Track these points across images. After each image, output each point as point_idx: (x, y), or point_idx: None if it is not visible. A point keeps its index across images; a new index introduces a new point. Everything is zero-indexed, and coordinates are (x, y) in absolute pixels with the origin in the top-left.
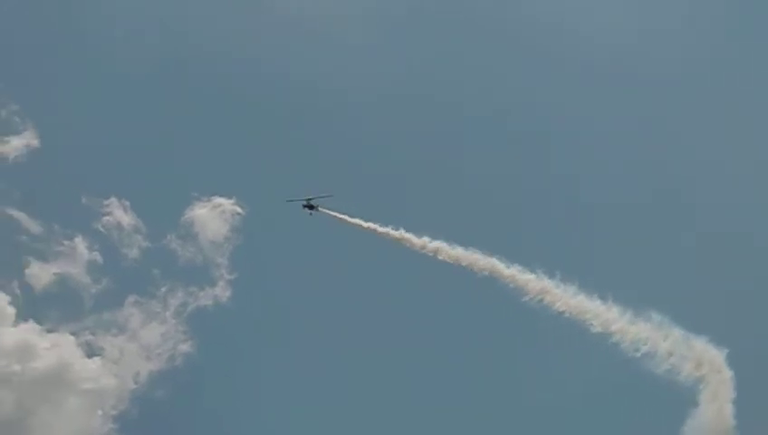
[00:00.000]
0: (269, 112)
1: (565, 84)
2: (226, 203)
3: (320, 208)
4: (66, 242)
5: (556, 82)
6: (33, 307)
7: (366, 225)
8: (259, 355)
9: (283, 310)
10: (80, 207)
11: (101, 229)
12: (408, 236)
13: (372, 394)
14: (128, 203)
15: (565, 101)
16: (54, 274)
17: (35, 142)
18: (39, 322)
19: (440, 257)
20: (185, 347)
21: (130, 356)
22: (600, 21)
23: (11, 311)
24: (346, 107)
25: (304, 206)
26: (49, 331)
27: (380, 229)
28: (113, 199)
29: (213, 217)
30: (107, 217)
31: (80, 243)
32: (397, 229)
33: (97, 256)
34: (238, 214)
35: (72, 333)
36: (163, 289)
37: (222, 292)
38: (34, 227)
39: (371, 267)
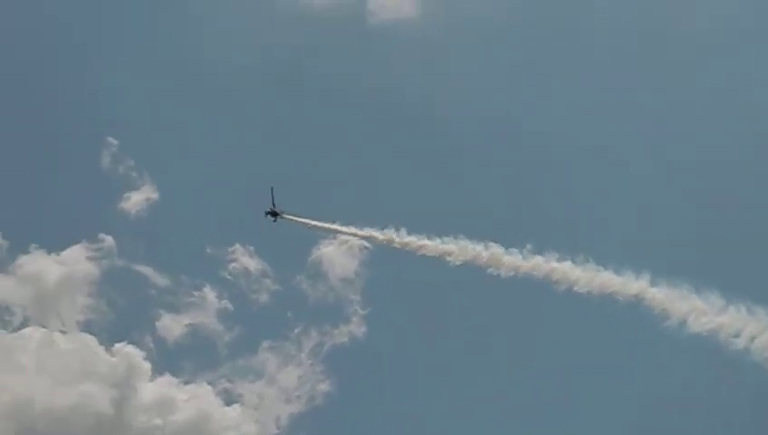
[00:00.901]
0: (384, 141)
1: None
2: (353, 238)
3: (284, 215)
4: (195, 292)
5: None
6: (168, 360)
7: (331, 226)
8: (399, 388)
9: (419, 340)
10: (205, 256)
11: (228, 277)
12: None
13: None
14: (252, 248)
15: None
16: (186, 325)
17: (155, 196)
18: (175, 374)
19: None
20: (323, 387)
21: (270, 401)
22: None
23: (147, 366)
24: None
25: (267, 214)
26: (186, 382)
27: (344, 229)
28: (237, 246)
29: (340, 253)
30: (233, 265)
31: (209, 292)
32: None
33: (227, 304)
34: (366, 248)
35: (209, 383)
36: (296, 331)
37: (357, 328)
38: (162, 280)
39: (505, 294)
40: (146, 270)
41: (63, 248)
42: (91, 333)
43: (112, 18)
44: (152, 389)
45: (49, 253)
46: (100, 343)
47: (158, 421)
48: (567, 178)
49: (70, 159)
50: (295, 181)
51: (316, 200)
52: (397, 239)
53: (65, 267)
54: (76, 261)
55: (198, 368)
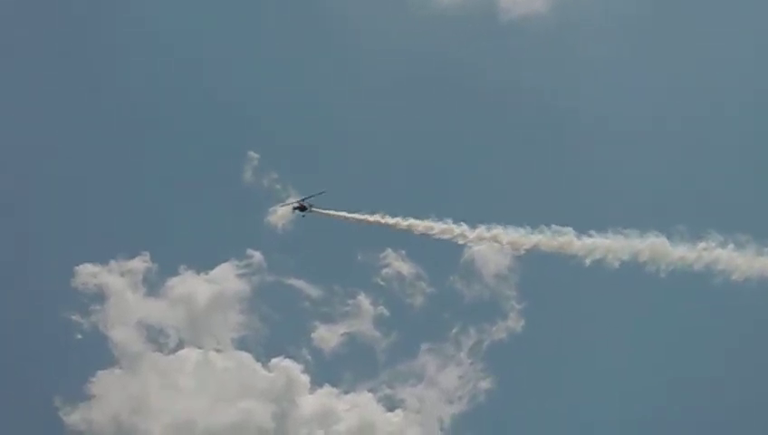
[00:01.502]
0: (519, 138)
1: None
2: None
3: (312, 209)
4: (350, 301)
5: None
6: (326, 371)
7: (366, 218)
8: (560, 380)
9: (578, 331)
10: (356, 264)
11: (382, 283)
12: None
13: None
14: (404, 252)
15: None
16: (342, 334)
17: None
18: (335, 385)
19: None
20: (485, 384)
21: (431, 403)
22: None
23: (305, 379)
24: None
25: (295, 209)
26: (346, 392)
27: (383, 220)
28: (389, 251)
29: (493, 250)
30: (386, 270)
31: (363, 300)
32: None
33: (383, 310)
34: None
35: (370, 390)
36: (454, 331)
37: (514, 323)
38: (315, 291)
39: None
40: (298, 283)
41: (212, 267)
42: (246, 351)
43: (249, 31)
44: (312, 401)
45: (198, 273)
46: (257, 360)
47: (320, 433)
48: (706, 180)
49: (212, 177)
50: (438, 179)
51: (459, 197)
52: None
53: (216, 286)
54: (226, 279)
55: (358, 376)
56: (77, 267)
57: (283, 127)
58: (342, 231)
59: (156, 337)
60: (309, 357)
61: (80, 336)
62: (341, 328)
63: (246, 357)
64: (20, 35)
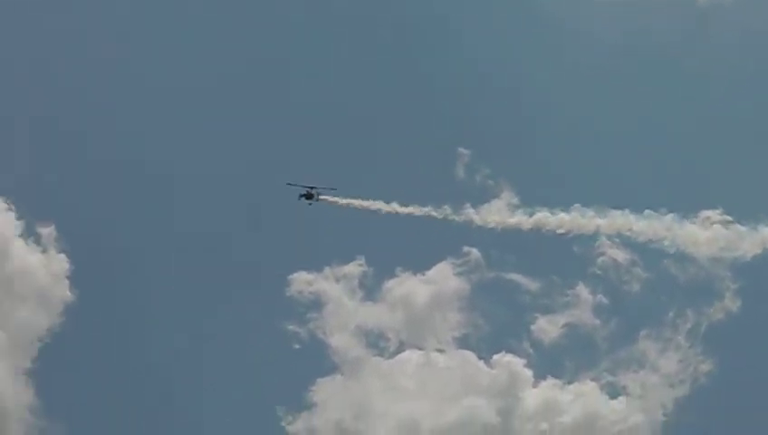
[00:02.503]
0: None
1: None
2: (713, 214)
3: (319, 198)
4: (569, 291)
5: None
6: (548, 363)
7: (370, 205)
8: None
9: None
10: (572, 254)
11: (598, 272)
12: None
13: None
14: (617, 240)
15: None
16: (563, 325)
17: (515, 201)
18: (557, 376)
19: None
20: (705, 367)
21: (653, 389)
22: None
23: (528, 373)
24: None
25: (301, 196)
26: (568, 382)
27: (386, 207)
28: (603, 239)
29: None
30: (601, 259)
31: (582, 289)
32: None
33: (601, 298)
34: (729, 222)
35: (592, 379)
36: (671, 314)
37: (731, 303)
38: (533, 284)
39: None
40: (516, 277)
41: (429, 267)
42: (468, 349)
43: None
44: (536, 394)
45: (415, 274)
46: (479, 357)
47: (545, 426)
48: None
49: (424, 176)
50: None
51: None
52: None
53: (434, 286)
54: (444, 278)
55: (579, 366)
56: (291, 276)
57: (493, 122)
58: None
59: (375, 341)
60: (530, 350)
61: (298, 346)
62: (562, 319)
63: (468, 355)
64: None
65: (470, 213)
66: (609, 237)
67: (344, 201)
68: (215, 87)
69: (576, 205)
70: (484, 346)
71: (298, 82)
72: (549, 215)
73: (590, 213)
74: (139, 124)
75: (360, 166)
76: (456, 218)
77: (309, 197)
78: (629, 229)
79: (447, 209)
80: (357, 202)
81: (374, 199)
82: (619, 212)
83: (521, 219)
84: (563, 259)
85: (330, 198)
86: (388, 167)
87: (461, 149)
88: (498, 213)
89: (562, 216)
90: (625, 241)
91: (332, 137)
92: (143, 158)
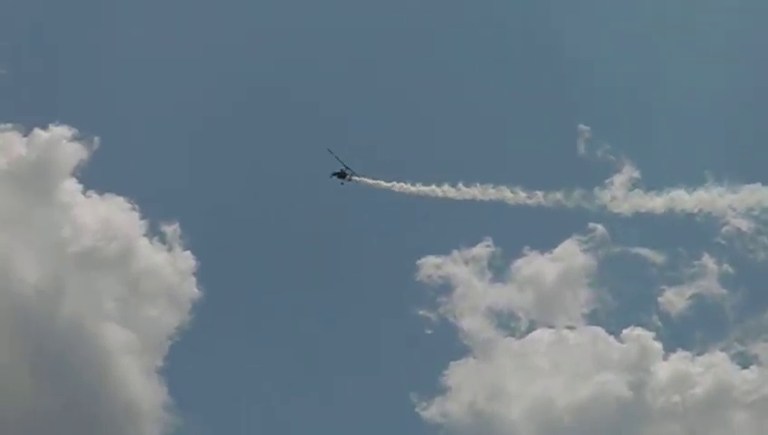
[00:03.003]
0: None
1: None
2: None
3: (353, 178)
4: (695, 262)
5: None
6: (677, 335)
7: (407, 188)
8: None
9: None
10: (695, 226)
11: (723, 241)
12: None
13: None
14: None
15: None
16: (690, 296)
17: (636, 174)
18: (687, 348)
19: None
20: None
21: None
22: None
23: (657, 346)
24: None
25: (333, 174)
26: (699, 354)
27: (423, 188)
28: (727, 210)
29: None
30: (726, 228)
31: (707, 260)
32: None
33: (728, 268)
34: None
35: (722, 350)
36: None
37: None
38: (659, 257)
39: None
40: (641, 251)
41: (555, 245)
42: (597, 324)
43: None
44: (666, 367)
45: (542, 253)
46: (609, 332)
47: (677, 398)
48: None
49: (549, 149)
50: None
51: None
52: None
53: (561, 264)
54: (571, 255)
55: (708, 337)
56: (420, 261)
57: (612, 98)
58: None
59: (506, 322)
60: (659, 323)
61: (429, 331)
62: (689, 290)
63: (598, 331)
64: None
65: (594, 190)
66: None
67: (378, 182)
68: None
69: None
70: (613, 321)
71: (424, 73)
72: (681, 193)
73: (720, 189)
74: (249, 121)
75: (484, 147)
76: (580, 196)
77: (342, 175)
78: (758, 205)
79: (570, 187)
80: (390, 184)
81: (501, 185)
82: (747, 187)
83: (649, 200)
84: (687, 231)
85: (363, 179)
86: (511, 147)
87: (581, 126)
88: (621, 188)
89: (698, 193)
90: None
91: (451, 121)
92: (258, 155)
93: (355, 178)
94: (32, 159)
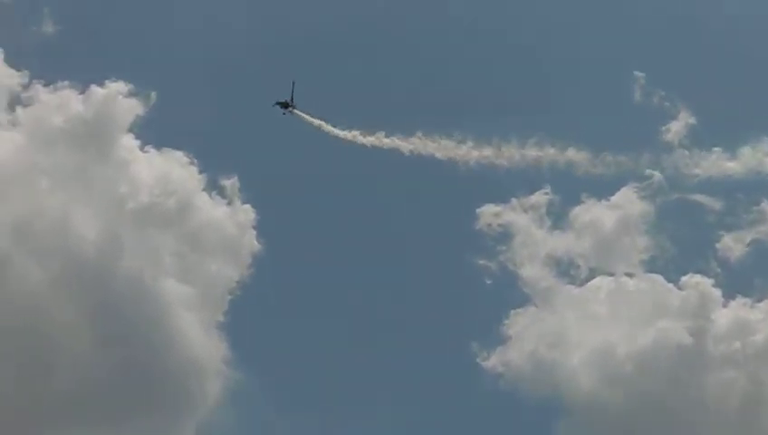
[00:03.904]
0: None
1: None
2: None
3: (294, 111)
4: (754, 208)
5: None
6: (736, 282)
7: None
8: None
9: None
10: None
11: None
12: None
13: None
14: None
15: None
16: (749, 242)
17: (692, 121)
18: (746, 295)
19: None
20: None
21: None
22: None
23: (717, 293)
24: None
25: (277, 103)
26: (758, 300)
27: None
28: None
29: None
30: None
31: (766, 205)
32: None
33: None
34: None
35: None
36: None
37: None
38: (717, 203)
39: None
40: (699, 197)
41: (613, 192)
42: (656, 272)
43: None
44: (726, 314)
45: (599, 199)
46: (668, 280)
47: (737, 345)
48: None
49: (605, 97)
50: None
51: None
52: None
53: (619, 211)
54: (629, 202)
55: None
56: (479, 210)
57: (668, 44)
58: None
59: (566, 270)
60: (718, 270)
61: (489, 281)
62: (748, 236)
63: (657, 278)
64: None
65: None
66: None
67: (313, 120)
68: None
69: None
70: (672, 268)
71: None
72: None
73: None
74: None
75: (541, 96)
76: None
77: (285, 106)
78: None
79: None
80: (327, 127)
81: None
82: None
83: (706, 146)
84: (746, 176)
85: (302, 114)
86: (569, 95)
87: (636, 73)
88: (677, 135)
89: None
90: None
91: (508, 71)
92: (320, 104)
93: (297, 111)
94: (88, 116)
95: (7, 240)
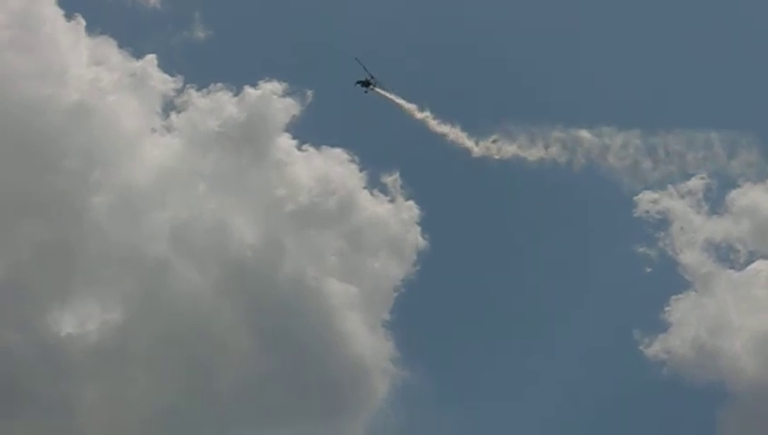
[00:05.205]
0: None
1: None
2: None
3: (375, 88)
4: None
5: None
6: None
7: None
8: None
9: None
10: None
11: None
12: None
13: None
14: None
15: None
16: None
17: None
18: None
19: None
20: None
21: None
22: None
23: None
24: None
25: (358, 82)
26: None
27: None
28: None
29: None
30: None
31: None
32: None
33: None
34: None
35: None
36: None
37: None
38: None
39: None
40: None
41: None
42: None
43: None
44: None
45: (756, 183)
46: None
47: None
48: None
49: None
50: None
51: None
52: None
53: None
54: None
55: None
56: (637, 197)
57: None
58: None
59: (725, 254)
60: None
61: (649, 269)
62: None
63: None
64: None
65: None
66: None
67: (393, 98)
68: None
69: None
70: None
71: None
72: None
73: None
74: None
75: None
76: None
77: (366, 84)
78: None
79: None
80: (404, 103)
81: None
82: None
83: None
84: None
85: (383, 92)
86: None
87: None
88: None
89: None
90: None
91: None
92: (477, 94)
93: (378, 89)
94: (242, 118)
95: (166, 245)
